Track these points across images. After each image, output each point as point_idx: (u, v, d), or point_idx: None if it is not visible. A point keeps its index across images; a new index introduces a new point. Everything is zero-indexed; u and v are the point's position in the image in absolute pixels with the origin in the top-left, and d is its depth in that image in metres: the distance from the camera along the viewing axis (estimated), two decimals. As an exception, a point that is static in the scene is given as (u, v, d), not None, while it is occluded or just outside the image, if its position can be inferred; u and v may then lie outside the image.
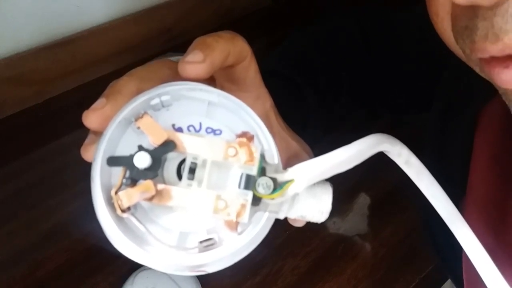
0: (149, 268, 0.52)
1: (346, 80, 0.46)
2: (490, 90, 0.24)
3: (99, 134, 0.21)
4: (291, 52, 0.47)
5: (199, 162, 0.20)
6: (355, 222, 0.63)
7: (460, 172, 0.37)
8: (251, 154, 0.20)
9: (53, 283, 0.53)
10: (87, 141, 0.23)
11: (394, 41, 0.47)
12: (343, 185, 0.65)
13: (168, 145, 0.20)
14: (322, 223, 0.54)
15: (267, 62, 0.43)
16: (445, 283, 0.61)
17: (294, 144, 0.31)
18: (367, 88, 0.48)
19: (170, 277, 0.52)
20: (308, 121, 0.41)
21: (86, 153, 0.22)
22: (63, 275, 0.54)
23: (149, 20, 0.74)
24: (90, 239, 0.55)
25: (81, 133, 0.24)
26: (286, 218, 0.26)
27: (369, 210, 0.65)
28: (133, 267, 0.53)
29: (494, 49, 0.19)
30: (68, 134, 0.64)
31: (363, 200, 0.66)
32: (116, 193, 0.19)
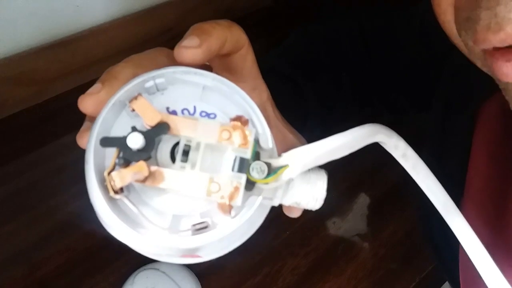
0: (149, 268, 0.52)
1: (346, 80, 0.46)
2: (488, 88, 0.23)
3: (94, 120, 0.21)
4: (291, 51, 0.47)
5: (192, 144, 0.20)
6: (355, 222, 0.63)
7: (459, 170, 0.37)
8: (245, 137, 0.20)
9: (53, 283, 0.53)
10: (82, 127, 0.23)
11: (394, 41, 0.47)
12: (343, 185, 0.65)
13: (162, 127, 0.20)
14: (322, 223, 0.54)
15: (267, 61, 0.43)
16: (445, 283, 0.61)
17: (291, 136, 0.31)
18: (367, 88, 0.48)
19: (170, 277, 0.51)
20: (307, 120, 0.41)
21: (82, 140, 0.22)
22: (63, 275, 0.54)
23: (149, 20, 0.74)
24: (90, 239, 0.55)
25: (81, 133, 0.24)
26: (285, 215, 0.26)
27: (369, 210, 0.65)
28: (133, 267, 0.53)
29: (496, 39, 0.19)
30: (68, 134, 0.63)
31: (363, 200, 0.66)
32: (109, 174, 0.19)
